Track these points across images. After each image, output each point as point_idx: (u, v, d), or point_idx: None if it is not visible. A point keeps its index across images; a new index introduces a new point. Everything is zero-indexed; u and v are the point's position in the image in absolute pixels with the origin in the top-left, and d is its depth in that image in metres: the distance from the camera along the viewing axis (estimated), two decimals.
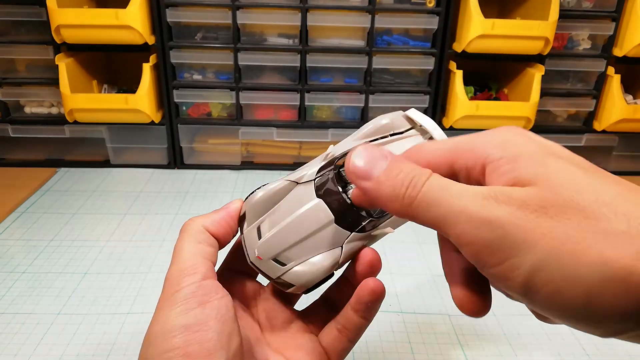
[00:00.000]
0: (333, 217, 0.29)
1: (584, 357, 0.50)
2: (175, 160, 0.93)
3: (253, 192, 0.31)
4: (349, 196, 0.29)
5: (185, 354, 0.24)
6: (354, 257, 0.30)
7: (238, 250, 0.34)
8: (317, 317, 0.33)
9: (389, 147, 0.30)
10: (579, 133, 0.94)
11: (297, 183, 0.31)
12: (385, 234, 0.30)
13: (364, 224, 0.29)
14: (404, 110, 0.32)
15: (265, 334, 0.32)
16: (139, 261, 0.64)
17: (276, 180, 0.31)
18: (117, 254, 0.65)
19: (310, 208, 0.29)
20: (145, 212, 0.76)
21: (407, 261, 0.65)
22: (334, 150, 0.32)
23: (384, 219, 0.30)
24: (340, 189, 0.29)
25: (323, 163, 0.31)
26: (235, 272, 0.34)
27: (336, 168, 0.30)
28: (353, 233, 0.29)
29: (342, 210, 0.29)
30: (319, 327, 0.33)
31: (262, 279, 0.34)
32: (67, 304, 0.55)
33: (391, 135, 0.31)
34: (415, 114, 0.31)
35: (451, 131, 0.91)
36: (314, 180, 0.30)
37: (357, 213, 0.29)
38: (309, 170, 0.31)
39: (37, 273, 0.60)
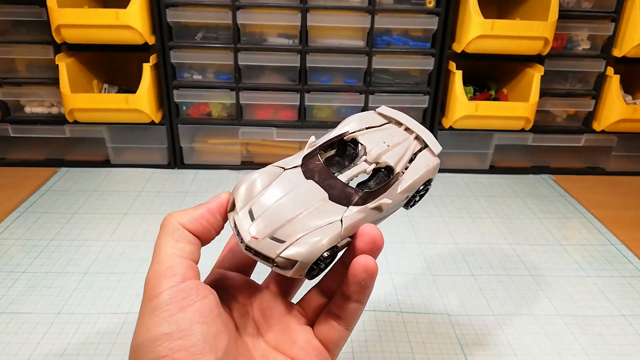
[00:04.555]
0: (327, 194, 0.30)
1: (583, 357, 0.50)
2: (175, 160, 0.93)
3: (240, 181, 0.31)
4: (337, 177, 0.31)
5: None
6: (354, 231, 0.30)
7: (231, 249, 0.33)
8: (314, 308, 0.33)
9: (367, 137, 0.34)
10: (578, 133, 0.94)
11: (284, 169, 0.32)
12: (388, 205, 0.31)
13: (357, 197, 0.30)
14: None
15: (262, 331, 0.31)
16: (139, 261, 0.64)
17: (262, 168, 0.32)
18: (117, 254, 0.65)
19: (303, 187, 0.31)
20: (145, 211, 0.76)
21: (407, 261, 0.65)
22: (316, 141, 0.34)
23: (379, 191, 0.31)
24: (329, 170, 0.32)
25: (307, 151, 0.33)
26: (229, 272, 0.33)
27: (321, 150, 0.33)
28: (350, 206, 0.30)
29: (334, 187, 0.31)
30: (315, 319, 0.32)
31: (256, 277, 0.34)
32: (67, 304, 0.55)
33: (367, 128, 0.35)
34: (386, 111, 0.36)
35: (451, 131, 0.91)
36: (301, 165, 0.32)
37: (348, 188, 0.31)
38: (294, 158, 0.32)
39: (37, 273, 0.60)
